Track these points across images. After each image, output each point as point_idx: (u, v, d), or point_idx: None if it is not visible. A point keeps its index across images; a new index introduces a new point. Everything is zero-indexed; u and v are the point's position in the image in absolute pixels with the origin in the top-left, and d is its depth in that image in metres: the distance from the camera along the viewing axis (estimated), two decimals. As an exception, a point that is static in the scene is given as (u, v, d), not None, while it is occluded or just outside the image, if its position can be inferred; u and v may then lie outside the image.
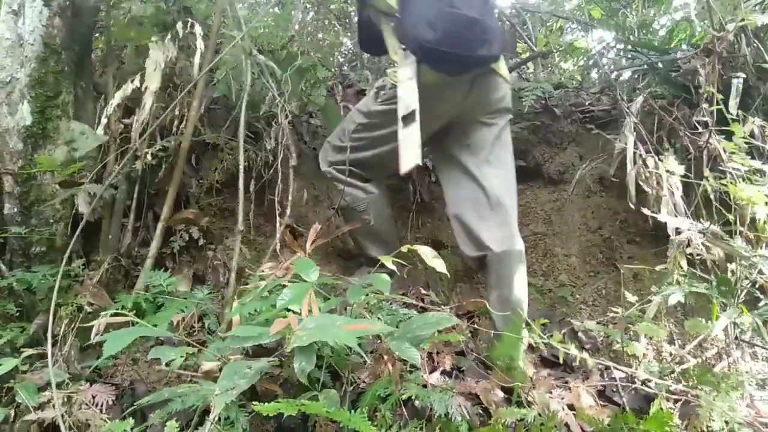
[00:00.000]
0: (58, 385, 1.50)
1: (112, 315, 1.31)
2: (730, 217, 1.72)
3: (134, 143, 1.97)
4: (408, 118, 1.77)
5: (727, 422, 1.41)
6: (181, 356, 1.32)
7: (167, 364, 1.31)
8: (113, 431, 1.19)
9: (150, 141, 2.07)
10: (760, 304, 1.78)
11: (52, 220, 1.94)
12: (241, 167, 2.00)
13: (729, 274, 1.78)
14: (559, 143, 3.15)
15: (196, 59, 2.00)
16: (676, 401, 1.84)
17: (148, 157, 1.96)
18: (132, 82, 1.93)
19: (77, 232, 1.80)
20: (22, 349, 1.62)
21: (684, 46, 3.15)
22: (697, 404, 1.51)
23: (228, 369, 1.13)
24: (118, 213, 2.07)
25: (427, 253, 1.65)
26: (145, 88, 1.93)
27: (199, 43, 1.96)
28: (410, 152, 1.74)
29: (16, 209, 1.92)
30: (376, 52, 2.45)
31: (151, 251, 2.03)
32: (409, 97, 1.79)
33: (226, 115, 2.56)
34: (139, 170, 2.03)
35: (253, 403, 1.05)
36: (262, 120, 2.56)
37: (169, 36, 1.98)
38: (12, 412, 1.44)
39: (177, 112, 2.13)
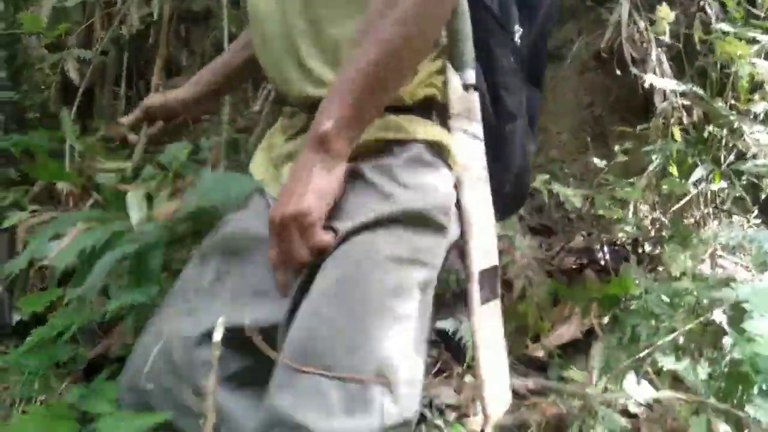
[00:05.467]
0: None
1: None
2: (713, 75, 1.75)
3: (119, 5, 1.91)
4: (489, 283, 0.85)
5: (684, 273, 1.51)
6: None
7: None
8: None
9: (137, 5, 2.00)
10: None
11: (42, 86, 1.93)
12: (225, 33, 1.95)
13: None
14: (558, 19, 3.07)
15: None
16: (650, 258, 1.97)
17: (135, 20, 1.91)
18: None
19: (76, 102, 1.81)
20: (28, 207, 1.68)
21: None
22: (664, 254, 1.62)
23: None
24: (109, 80, 2.06)
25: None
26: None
27: None
28: (497, 380, 0.85)
29: (4, 74, 1.90)
30: None
31: (145, 119, 2.04)
32: (488, 239, 0.86)
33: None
34: (126, 35, 1.99)
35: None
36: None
37: None
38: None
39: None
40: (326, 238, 0.75)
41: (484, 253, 0.84)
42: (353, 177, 0.79)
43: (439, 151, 0.82)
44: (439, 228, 0.80)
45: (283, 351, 0.73)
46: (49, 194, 1.80)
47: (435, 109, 0.85)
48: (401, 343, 0.74)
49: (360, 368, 0.70)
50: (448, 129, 0.84)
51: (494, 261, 0.86)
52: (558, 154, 2.71)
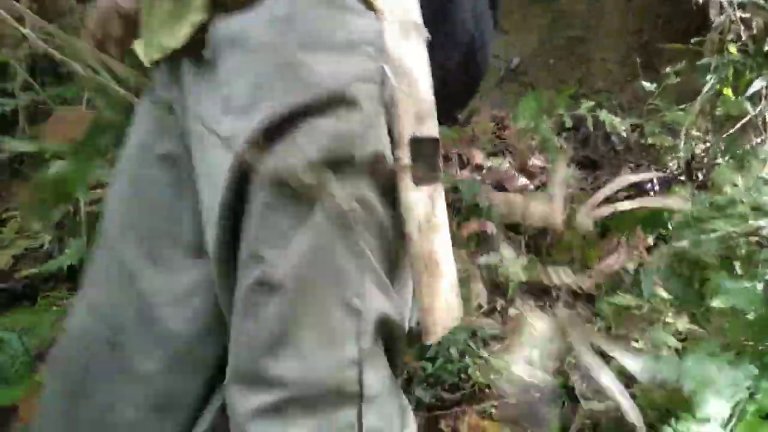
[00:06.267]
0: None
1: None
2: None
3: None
4: (425, 158, 0.66)
5: (736, 185, 1.41)
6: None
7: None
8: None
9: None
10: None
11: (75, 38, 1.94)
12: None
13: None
14: None
15: None
16: (701, 182, 1.87)
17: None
18: None
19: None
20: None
21: None
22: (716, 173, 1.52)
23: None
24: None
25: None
26: None
27: None
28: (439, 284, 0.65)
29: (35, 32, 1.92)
30: None
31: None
32: (424, 103, 0.65)
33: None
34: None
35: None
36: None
37: None
38: (71, 208, 1.57)
39: None
40: None
41: (417, 117, 0.62)
42: (237, 43, 0.57)
43: None
44: (369, 100, 0.59)
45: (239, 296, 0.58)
46: (89, 145, 1.84)
47: None
48: (355, 262, 0.58)
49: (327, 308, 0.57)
50: None
51: (433, 132, 0.64)
52: (604, 84, 2.57)
